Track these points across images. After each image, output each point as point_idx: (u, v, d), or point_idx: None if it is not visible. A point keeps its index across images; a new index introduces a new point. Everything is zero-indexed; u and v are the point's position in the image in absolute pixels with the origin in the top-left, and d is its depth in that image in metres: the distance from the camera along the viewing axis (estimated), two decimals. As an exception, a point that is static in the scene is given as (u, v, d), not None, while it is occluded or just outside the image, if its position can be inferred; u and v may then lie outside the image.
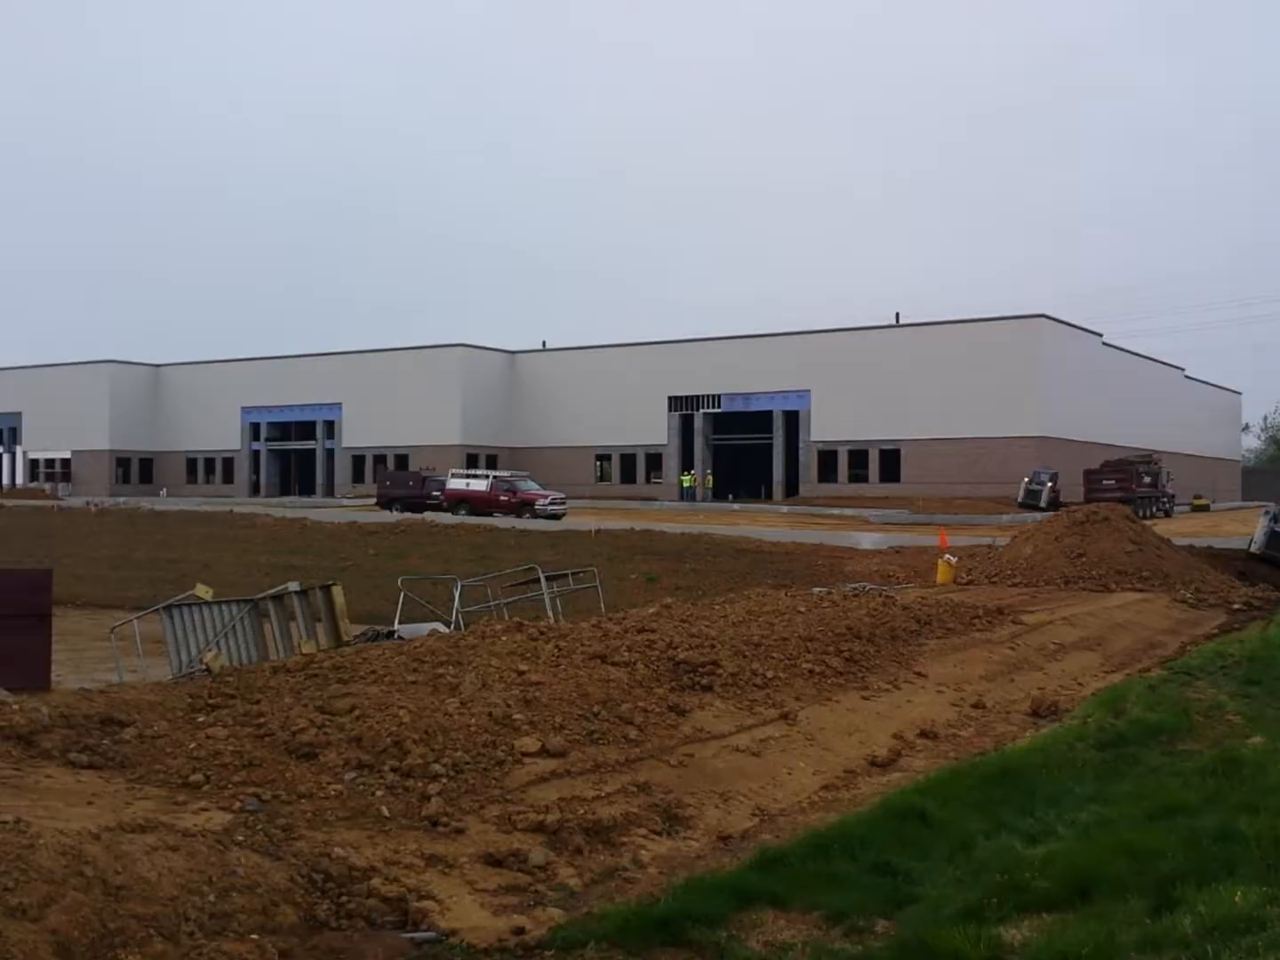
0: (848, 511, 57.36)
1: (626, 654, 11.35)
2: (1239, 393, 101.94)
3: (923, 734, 11.18)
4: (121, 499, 67.78)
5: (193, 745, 8.05)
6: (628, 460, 76.67)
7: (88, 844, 5.68)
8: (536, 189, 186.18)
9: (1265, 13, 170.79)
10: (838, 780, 9.52)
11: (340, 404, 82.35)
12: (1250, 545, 29.09)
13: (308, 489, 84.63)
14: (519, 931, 5.95)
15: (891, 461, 66.85)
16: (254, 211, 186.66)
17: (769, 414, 71.46)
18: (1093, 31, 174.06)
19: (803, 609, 15.68)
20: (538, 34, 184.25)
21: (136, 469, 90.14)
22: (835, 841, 7.10)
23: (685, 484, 72.86)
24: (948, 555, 27.48)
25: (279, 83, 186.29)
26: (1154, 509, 56.35)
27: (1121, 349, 74.44)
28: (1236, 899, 5.61)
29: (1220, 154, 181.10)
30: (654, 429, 74.99)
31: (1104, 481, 55.99)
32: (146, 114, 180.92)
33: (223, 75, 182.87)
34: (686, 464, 74.39)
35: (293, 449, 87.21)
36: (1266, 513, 29.40)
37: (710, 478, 74.26)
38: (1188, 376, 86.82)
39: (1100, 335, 71.00)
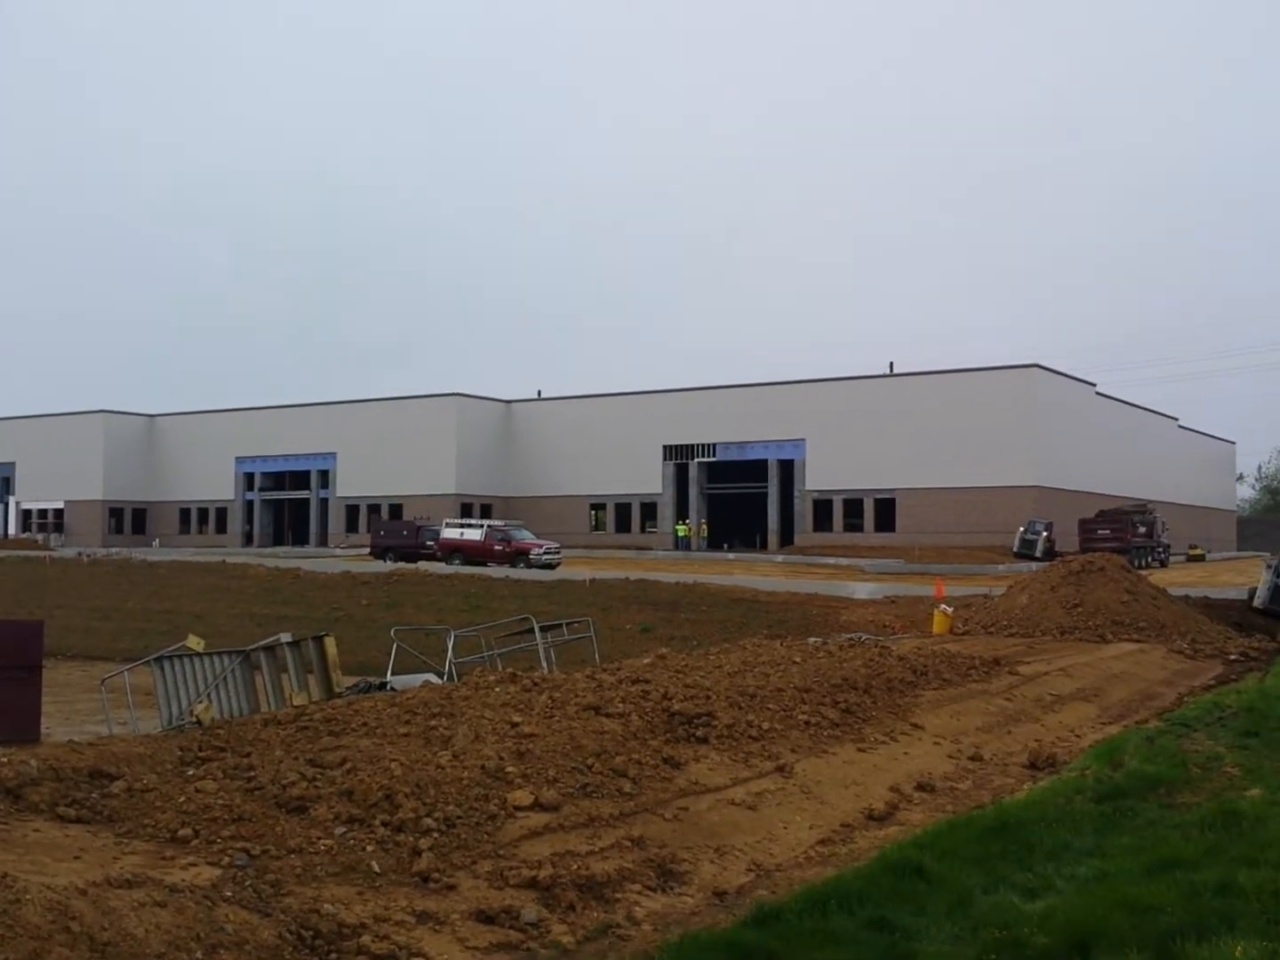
0: (843, 561, 57.30)
1: (621, 705, 11.28)
2: (1233, 442, 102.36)
3: (920, 787, 11.10)
4: (114, 549, 67.60)
5: (182, 799, 7.96)
6: (622, 509, 76.65)
7: (74, 899, 5.60)
8: (533, 234, 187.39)
9: (1257, 72, 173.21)
10: (834, 834, 9.43)
11: (334, 453, 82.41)
12: (1254, 600, 28.74)
13: (301, 539, 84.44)
14: (511, 990, 5.87)
15: (886, 511, 66.90)
16: (251, 256, 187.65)
17: (764, 463, 71.59)
18: (1091, 79, 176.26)
19: (798, 659, 15.62)
20: (537, 86, 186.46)
21: (130, 519, 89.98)
22: (832, 897, 7.02)
23: (680, 533, 72.81)
24: (943, 605, 27.45)
25: (274, 131, 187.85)
26: (1149, 559, 56.34)
27: (1115, 399, 74.84)
28: (1237, 954, 5.55)
29: (1216, 205, 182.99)
30: (649, 478, 75.05)
31: (1099, 531, 56.05)
32: (140, 160, 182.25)
33: (219, 120, 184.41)
34: (681, 513, 74.40)
35: (286, 499, 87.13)
36: (1269, 566, 28.97)
37: (705, 527, 74.23)
38: (1181, 426, 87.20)
39: (1094, 385, 71.38)
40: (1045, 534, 56.84)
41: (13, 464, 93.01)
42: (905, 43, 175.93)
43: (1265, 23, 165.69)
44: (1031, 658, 19.71)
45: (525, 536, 54.43)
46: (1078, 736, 14.14)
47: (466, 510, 74.23)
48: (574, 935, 6.77)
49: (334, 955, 5.99)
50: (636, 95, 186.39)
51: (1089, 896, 6.84)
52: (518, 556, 50.98)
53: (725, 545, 72.22)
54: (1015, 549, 57.64)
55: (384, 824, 7.77)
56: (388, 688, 15.10)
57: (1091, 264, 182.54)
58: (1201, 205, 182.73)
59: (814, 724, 12.31)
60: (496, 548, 51.91)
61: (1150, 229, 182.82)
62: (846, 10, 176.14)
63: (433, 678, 16.21)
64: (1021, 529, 58.22)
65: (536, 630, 19.34)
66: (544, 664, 18.35)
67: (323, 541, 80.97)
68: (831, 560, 58.25)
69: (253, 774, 8.53)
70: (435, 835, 7.71)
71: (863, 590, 38.12)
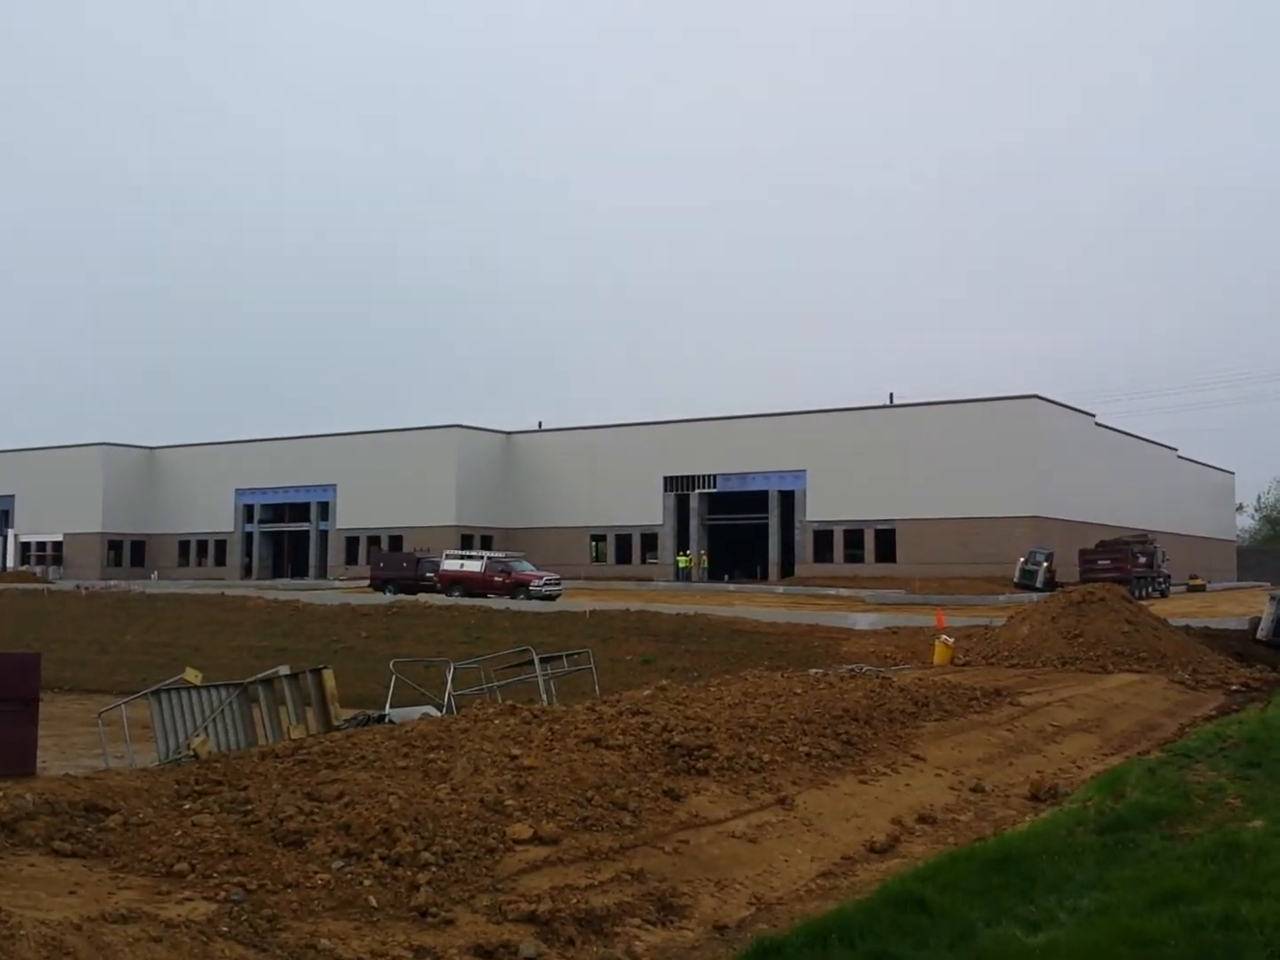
0: (844, 592, 57.19)
1: (621, 737, 11.24)
2: (1232, 473, 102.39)
3: (921, 819, 11.04)
4: (113, 582, 67.50)
5: (178, 833, 7.91)
6: (623, 541, 76.55)
7: (69, 935, 5.56)
8: (535, 264, 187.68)
9: (1261, 94, 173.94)
10: (836, 867, 9.38)
11: (334, 485, 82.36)
12: (1258, 632, 28.59)
13: (300, 571, 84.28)
14: (509, 1026, 5.81)
15: (887, 541, 66.82)
16: (248, 289, 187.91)
17: (764, 494, 71.55)
18: (1091, 109, 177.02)
19: (799, 691, 15.57)
20: (543, 113, 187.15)
21: (128, 551, 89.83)
22: (833, 930, 6.97)
23: (681, 564, 72.68)
24: (944, 636, 27.37)
25: (270, 166, 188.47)
26: (1149, 589, 56.22)
27: (1114, 429, 74.97)
28: (1243, 989, 5.50)
29: (1216, 234, 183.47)
30: (649, 509, 75.00)
31: (1099, 562, 55.95)
32: (140, 196, 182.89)
33: (217, 158, 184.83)
34: (682, 544, 74.29)
35: (286, 531, 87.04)
36: (1273, 598, 28.81)
37: (706, 558, 74.13)
38: (1181, 457, 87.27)
39: (1093, 415, 71.52)
40: (1046, 564, 56.75)
41: (12, 496, 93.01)
42: (903, 50, 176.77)
43: (1267, 18, 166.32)
44: (1033, 688, 19.64)
45: (525, 568, 54.36)
46: (1079, 768, 14.08)
47: (466, 542, 74.13)
48: (573, 970, 6.72)
49: (330, 991, 5.95)
50: (635, 108, 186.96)
51: (1091, 929, 6.78)
52: (518, 588, 50.90)
53: (726, 576, 72.10)
54: (1016, 579, 57.56)
55: (382, 858, 7.72)
56: (386, 720, 15.05)
57: (1090, 291, 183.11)
58: (1200, 222, 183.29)
59: (815, 756, 12.26)
60: (496, 579, 51.84)
61: (1148, 253, 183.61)
62: (836, 39, 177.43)
63: (432, 710, 16.17)
64: (1022, 559, 58.16)
65: (536, 662, 19.30)
66: (544, 696, 18.30)
67: (322, 574, 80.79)
68: (832, 591, 58.15)
69: (249, 808, 8.48)
70: (433, 869, 7.66)
71: (863, 621, 38.03)
